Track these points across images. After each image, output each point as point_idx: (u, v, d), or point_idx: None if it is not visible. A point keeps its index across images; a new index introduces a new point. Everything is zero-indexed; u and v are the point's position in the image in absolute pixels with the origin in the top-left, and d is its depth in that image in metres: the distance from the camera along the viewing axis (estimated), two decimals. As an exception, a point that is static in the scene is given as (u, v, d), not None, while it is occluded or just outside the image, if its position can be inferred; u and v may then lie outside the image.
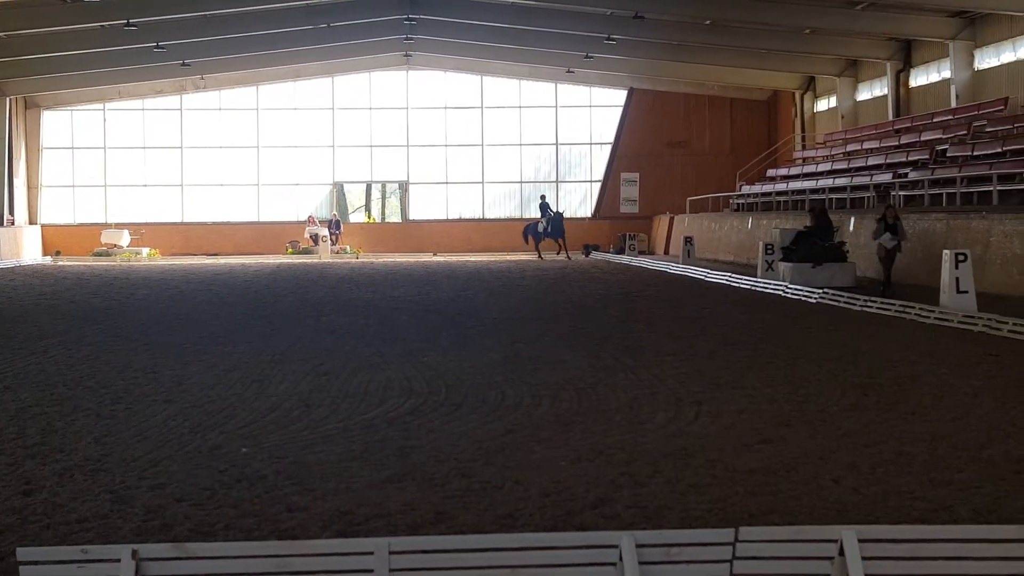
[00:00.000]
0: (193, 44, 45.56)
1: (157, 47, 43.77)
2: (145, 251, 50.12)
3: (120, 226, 51.82)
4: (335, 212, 54.21)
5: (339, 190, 56.55)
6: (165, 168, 54.73)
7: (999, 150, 29.70)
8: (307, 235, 51.38)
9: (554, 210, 50.15)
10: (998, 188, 27.15)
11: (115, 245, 50.08)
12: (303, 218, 53.35)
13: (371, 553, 5.62)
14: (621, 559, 5.59)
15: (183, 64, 48.03)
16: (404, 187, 56.40)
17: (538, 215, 50.33)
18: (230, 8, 41.24)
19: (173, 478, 8.15)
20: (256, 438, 9.58)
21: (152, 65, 47.86)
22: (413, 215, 56.25)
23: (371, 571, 5.61)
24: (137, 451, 9.08)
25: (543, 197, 51.48)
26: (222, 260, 47.03)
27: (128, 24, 39.83)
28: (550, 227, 47.87)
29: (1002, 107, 33.02)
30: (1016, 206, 25.71)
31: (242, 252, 51.65)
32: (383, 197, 58.21)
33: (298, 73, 53.63)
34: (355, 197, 58.29)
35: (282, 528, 6.88)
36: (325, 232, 50.57)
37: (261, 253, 51.19)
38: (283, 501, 7.49)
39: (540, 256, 47.16)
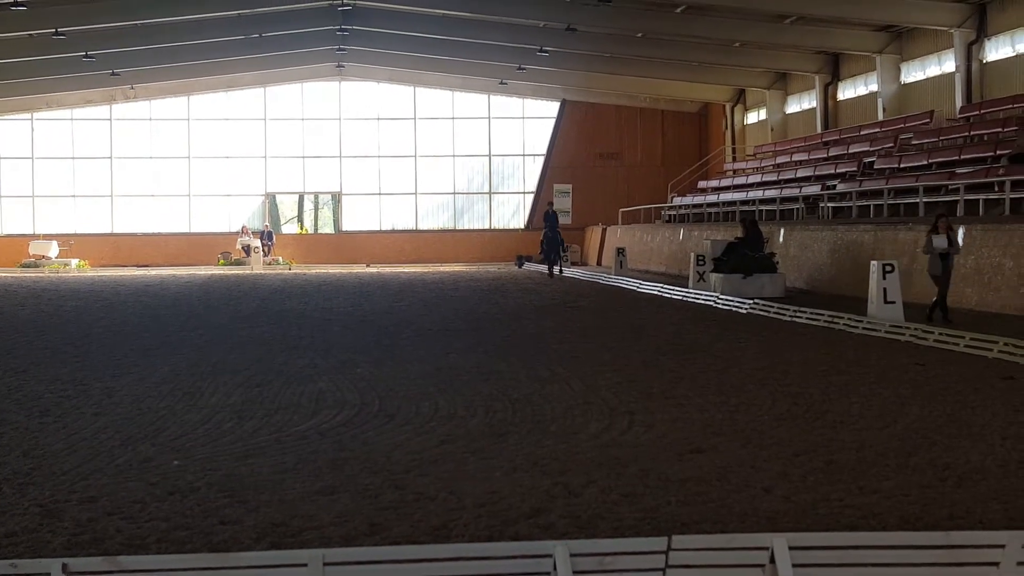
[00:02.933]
0: (123, 53, 45.11)
1: (86, 56, 43.32)
2: (74, 262, 49.55)
3: (48, 237, 51.17)
4: (267, 223, 53.93)
5: (272, 201, 56.28)
6: (95, 178, 54.15)
7: (925, 162, 30.15)
8: (239, 246, 51.06)
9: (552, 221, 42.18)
10: (924, 200, 27.56)
11: (43, 256, 49.44)
12: (235, 229, 52.99)
13: (304, 565, 5.60)
14: (555, 568, 5.62)
15: (113, 74, 47.60)
16: (337, 198, 56.22)
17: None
18: (161, 17, 40.85)
19: (104, 491, 8.07)
20: (188, 450, 9.51)
21: (81, 75, 47.37)
22: (346, 226, 56.07)
23: (305, 583, 5.60)
24: (67, 464, 8.98)
25: (550, 204, 44.77)
26: (153, 271, 46.61)
27: (56, 33, 39.39)
28: (545, 241, 41.62)
29: (928, 120, 33.55)
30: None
31: (174, 263, 51.23)
32: (316, 208, 58.01)
33: (230, 83, 53.30)
34: (288, 208, 58.03)
35: (215, 541, 6.84)
36: (257, 243, 50.27)
37: (193, 264, 50.78)
38: (216, 513, 7.44)
39: (549, 274, 40.36)
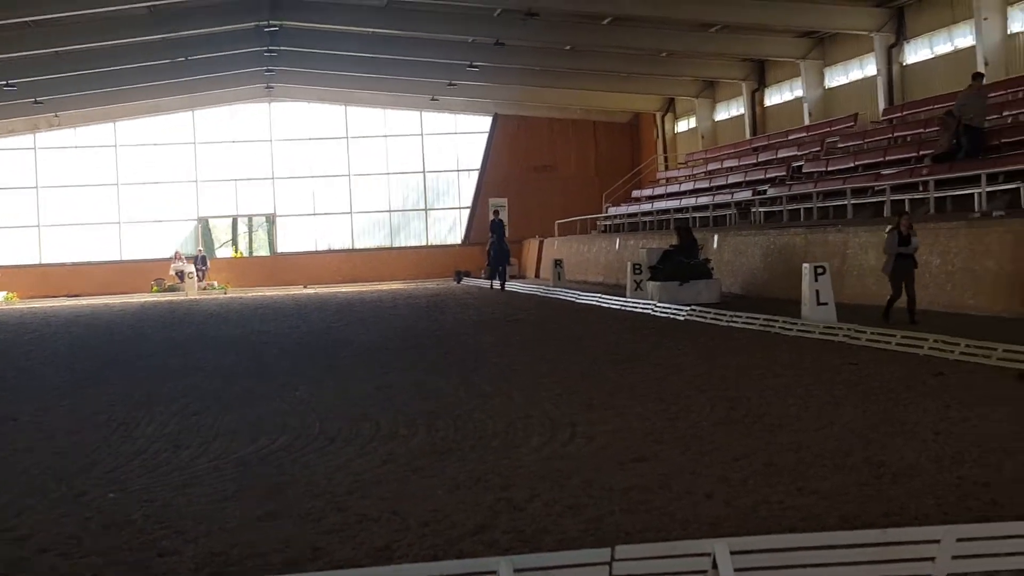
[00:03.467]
0: (46, 81, 44.46)
1: (7, 85, 42.68)
2: (1, 295, 48.84)
3: (-27, 270, 50.46)
4: (201, 247, 53.52)
5: (204, 225, 55.87)
6: (20, 208, 53.40)
7: (851, 165, 30.54)
8: (173, 272, 50.65)
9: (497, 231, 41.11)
10: (852, 202, 27.90)
11: (-31, 290, 48.73)
12: (168, 255, 52.51)
13: (248, 592, 5.59)
14: (499, 584, 5.63)
15: (35, 102, 46.96)
16: (271, 220, 55.95)
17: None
18: (84, 44, 40.43)
19: (37, 528, 7.94)
20: (123, 482, 9.39)
21: (3, 104, 46.69)
22: (281, 248, 55.82)
23: (248, 610, 5.58)
24: None
25: (495, 212, 43.30)
26: (84, 301, 46.07)
27: (-23, 63, 38.92)
28: (492, 251, 40.82)
29: (852, 123, 33.98)
30: (869, 219, 26.42)
31: (105, 292, 50.68)
32: (250, 231, 57.65)
33: (158, 108, 52.82)
34: (221, 231, 57.63)
35: (153, 574, 6.77)
36: (191, 268, 49.90)
37: (125, 292, 50.28)
38: (153, 546, 7.35)
39: (492, 286, 40.38)
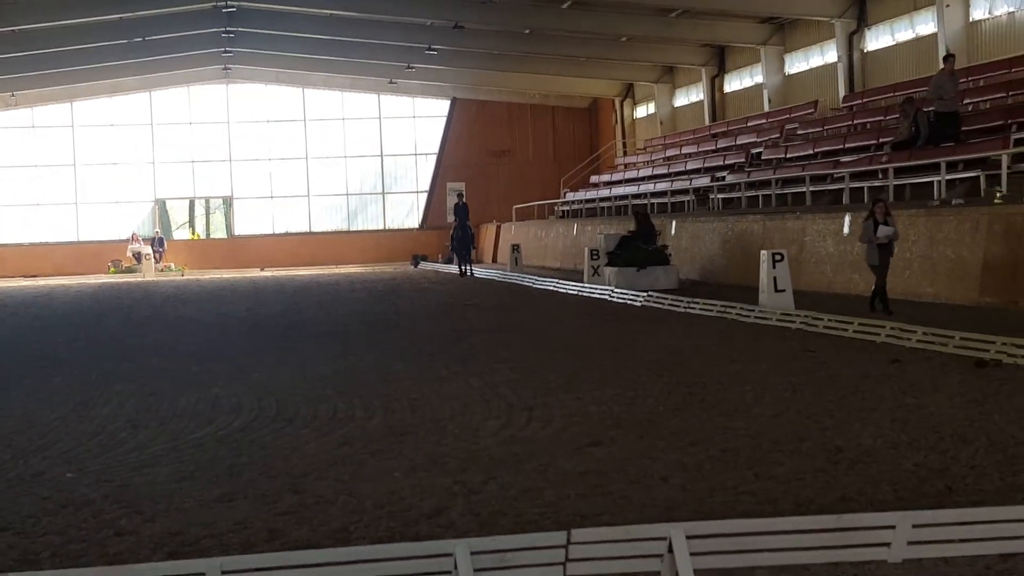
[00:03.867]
0: (2, 60, 44.05)
1: (-36, 65, 42.36)
2: (-42, 275, 48.43)
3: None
4: (158, 229, 53.23)
5: (162, 207, 55.52)
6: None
7: (811, 151, 30.67)
8: (130, 253, 50.35)
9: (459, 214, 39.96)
10: (811, 189, 28.03)
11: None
12: (125, 236, 52.12)
13: (203, 574, 5.57)
14: (456, 567, 5.63)
15: (-9, 82, 46.56)
16: (228, 202, 55.67)
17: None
18: (40, 23, 40.01)
19: (-6, 507, 7.92)
20: (81, 462, 9.35)
21: (-41, 83, 46.28)
22: (239, 230, 55.56)
23: (204, 592, 5.56)
24: (-44, 481, 8.79)
25: (460, 195, 42.54)
26: (41, 282, 45.72)
27: (-68, 41, 38.46)
28: (455, 235, 39.68)
29: (812, 110, 34.14)
30: (827, 206, 26.57)
31: (62, 273, 50.31)
32: (207, 213, 57.32)
33: (115, 88, 52.43)
34: (179, 213, 57.26)
35: (111, 553, 6.74)
36: (148, 250, 49.61)
37: (82, 273, 49.93)
38: (111, 525, 7.33)
39: (461, 273, 38.80)
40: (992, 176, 22.10)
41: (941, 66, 25.68)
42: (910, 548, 5.98)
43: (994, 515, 6.17)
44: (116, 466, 9.15)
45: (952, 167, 23.18)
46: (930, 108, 25.31)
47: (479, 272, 38.75)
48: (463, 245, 38.95)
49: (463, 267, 38.70)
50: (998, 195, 20.38)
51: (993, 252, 19.41)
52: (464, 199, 40.88)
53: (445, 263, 47.87)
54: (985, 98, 25.98)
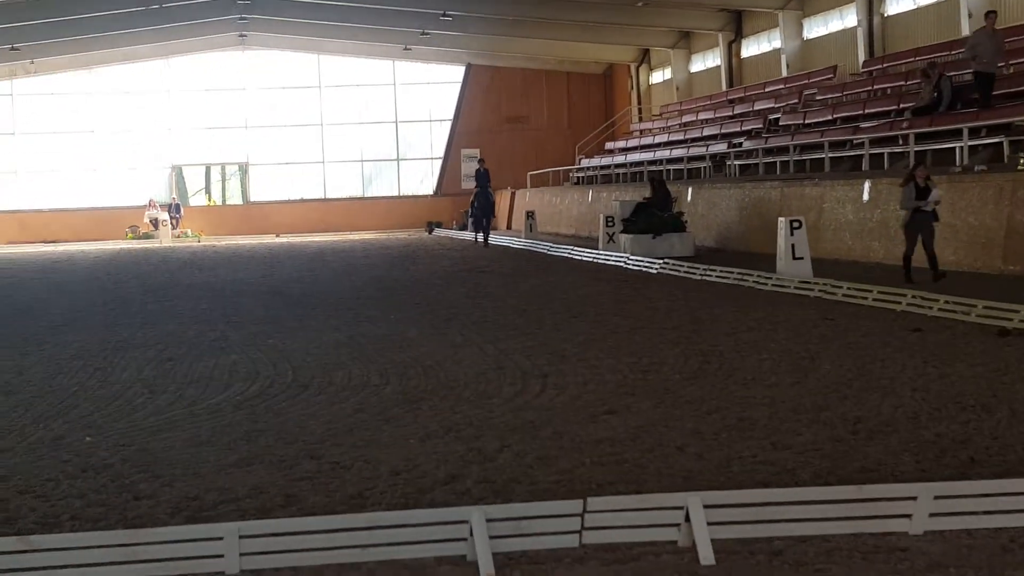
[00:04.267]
0: (22, 28, 44.03)
1: (-17, 31, 42.34)
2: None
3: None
4: (175, 195, 53.27)
5: (178, 173, 55.52)
6: (-1, 155, 53.07)
7: (829, 117, 30.46)
8: (147, 219, 50.44)
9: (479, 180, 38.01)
10: (829, 155, 27.82)
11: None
12: (143, 202, 52.14)
13: (220, 538, 5.58)
14: (472, 534, 5.63)
15: (12, 48, 46.48)
16: (244, 168, 55.65)
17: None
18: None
19: (15, 470, 7.94)
20: (100, 427, 9.38)
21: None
22: (254, 197, 55.56)
23: (221, 556, 5.57)
24: (-26, 446, 8.82)
25: (480, 161, 39.81)
26: (61, 247, 45.85)
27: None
28: (476, 202, 37.95)
29: (831, 75, 33.88)
30: (847, 172, 26.41)
31: (81, 239, 50.42)
32: (223, 179, 57.30)
33: (131, 55, 52.38)
34: (195, 180, 57.25)
35: (130, 516, 6.76)
36: (165, 216, 49.70)
37: (101, 239, 50.04)
38: (130, 489, 7.35)
39: (476, 240, 37.76)
40: (1016, 142, 21.91)
41: (982, 24, 24.82)
42: (932, 520, 5.94)
43: (1017, 487, 6.11)
44: (134, 431, 9.18)
45: (975, 133, 22.97)
46: (951, 74, 25.05)
47: (494, 239, 38.67)
48: (484, 212, 37.41)
49: (478, 235, 37.44)
50: (1022, 161, 20.20)
51: (1017, 219, 19.25)
52: (484, 164, 38.73)
53: (459, 230, 47.78)
54: (1010, 62, 25.67)
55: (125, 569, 5.46)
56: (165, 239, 47.92)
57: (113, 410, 10.12)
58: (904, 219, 18.38)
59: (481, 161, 39.03)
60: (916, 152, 24.24)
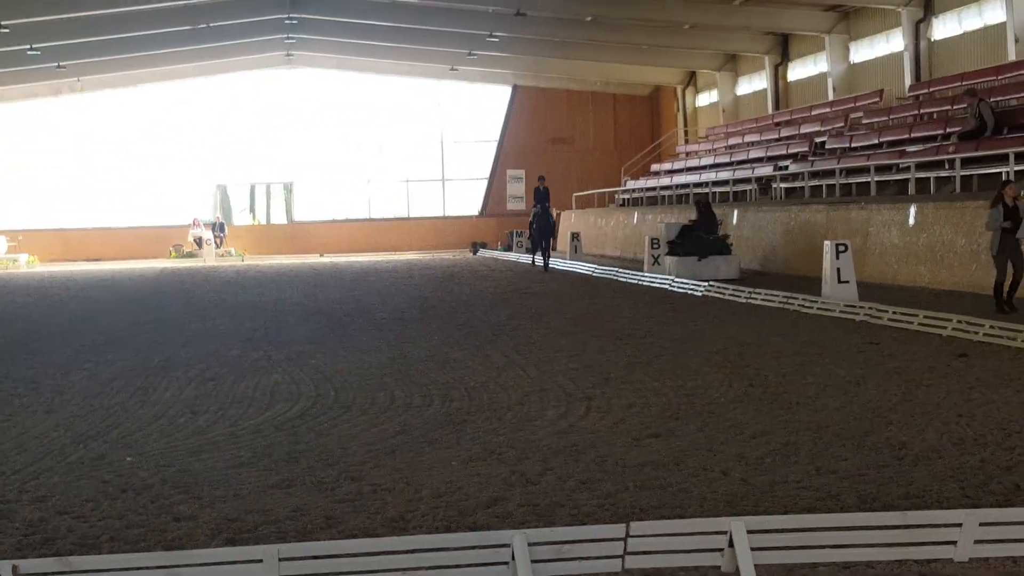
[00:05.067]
0: (68, 46, 44.50)
1: (31, 49, 42.76)
2: (24, 258, 48.96)
3: (-4, 233, 50.61)
4: (219, 214, 53.55)
5: (223, 192, 55.88)
6: (42, 172, 53.46)
7: (876, 141, 30.29)
8: (191, 238, 50.71)
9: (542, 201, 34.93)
10: (875, 179, 27.67)
11: (-8, 253, 48.86)
12: (187, 221, 52.48)
13: (260, 561, 5.55)
14: (513, 558, 5.58)
15: (58, 67, 47.00)
16: (289, 188, 55.93)
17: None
18: (106, 9, 40.36)
19: (55, 490, 7.95)
20: (141, 447, 9.39)
21: (26, 68, 46.69)
22: (298, 216, 55.82)
23: (261, 579, 5.54)
24: (17, 463, 8.85)
25: (541, 179, 36.16)
26: (104, 266, 46.20)
27: (0, 26, 38.87)
28: (535, 223, 34.92)
29: (877, 99, 33.70)
30: (893, 196, 26.23)
31: (125, 257, 50.81)
32: (268, 198, 57.61)
33: (178, 74, 52.79)
34: (239, 199, 57.59)
35: (169, 538, 6.75)
36: (209, 235, 49.96)
37: (144, 258, 50.41)
38: (170, 510, 7.35)
39: (533, 264, 35.61)
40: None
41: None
42: (977, 547, 5.85)
43: (1064, 514, 6.02)
44: (175, 451, 9.18)
45: (1020, 158, 22.78)
46: (994, 100, 24.91)
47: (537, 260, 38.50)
48: (543, 234, 34.43)
49: (538, 257, 34.74)
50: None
51: (1062, 244, 19.02)
52: (545, 182, 35.62)
53: (504, 250, 47.78)
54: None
55: (165, 590, 5.44)
56: (209, 258, 48.18)
57: (154, 430, 10.13)
58: (993, 244, 17.56)
59: (542, 179, 35.90)
60: (962, 176, 24.06)
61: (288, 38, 49.31)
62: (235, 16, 45.06)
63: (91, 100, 53.58)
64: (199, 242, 49.87)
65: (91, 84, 52.33)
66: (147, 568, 5.50)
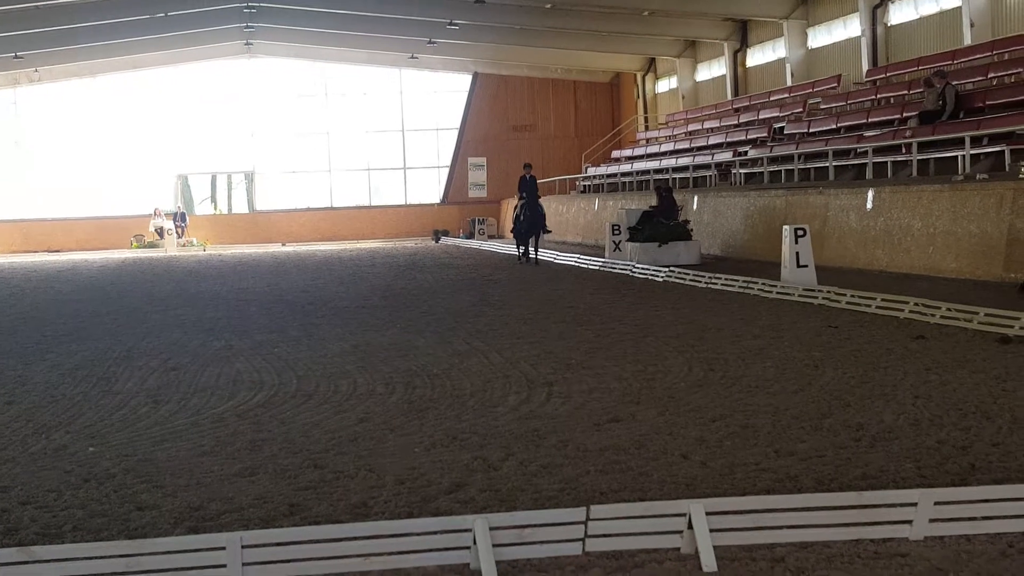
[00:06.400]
0: (26, 36, 44.15)
1: (-13, 40, 42.47)
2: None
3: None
4: (180, 204, 53.35)
5: (184, 182, 55.65)
6: (1, 164, 53.09)
7: (834, 126, 30.50)
8: (152, 228, 50.50)
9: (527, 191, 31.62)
10: (834, 164, 27.85)
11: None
12: (148, 211, 52.25)
13: (223, 548, 5.58)
14: (475, 543, 5.64)
15: (15, 57, 46.63)
16: (250, 177, 55.75)
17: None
18: (63, -2, 40.13)
19: (17, 481, 7.93)
20: (103, 437, 9.38)
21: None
22: (260, 205, 55.68)
23: (224, 566, 5.57)
24: (-22, 456, 8.83)
25: (527, 167, 32.56)
26: (65, 256, 45.93)
27: (-45, 16, 38.58)
28: (522, 215, 31.30)
29: (835, 84, 33.91)
30: (851, 181, 26.42)
31: (85, 248, 50.57)
32: (229, 188, 57.42)
33: (137, 63, 52.52)
34: (200, 189, 57.37)
35: (132, 527, 6.76)
36: (171, 225, 49.77)
37: (105, 248, 50.15)
38: (132, 499, 7.35)
39: (520, 258, 31.87)
40: (1017, 151, 21.93)
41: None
42: (932, 525, 5.95)
43: (1017, 492, 6.13)
44: (138, 441, 9.18)
45: (976, 141, 23.01)
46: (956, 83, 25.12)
47: (498, 247, 38.62)
48: (531, 226, 31.15)
49: (524, 250, 31.61)
50: (1023, 170, 20.22)
51: (1018, 227, 19.26)
52: (531, 170, 32.33)
53: (466, 238, 47.84)
54: (1010, 72, 25.71)
55: (128, 579, 5.47)
56: (170, 248, 47.99)
57: (116, 420, 10.12)
58: None
59: (528, 166, 32.57)
60: (919, 161, 24.28)
61: (247, 27, 49.12)
62: (194, 5, 44.85)
63: (49, 91, 53.15)
64: (160, 232, 49.71)
65: (49, 74, 51.95)
66: (110, 557, 5.52)
